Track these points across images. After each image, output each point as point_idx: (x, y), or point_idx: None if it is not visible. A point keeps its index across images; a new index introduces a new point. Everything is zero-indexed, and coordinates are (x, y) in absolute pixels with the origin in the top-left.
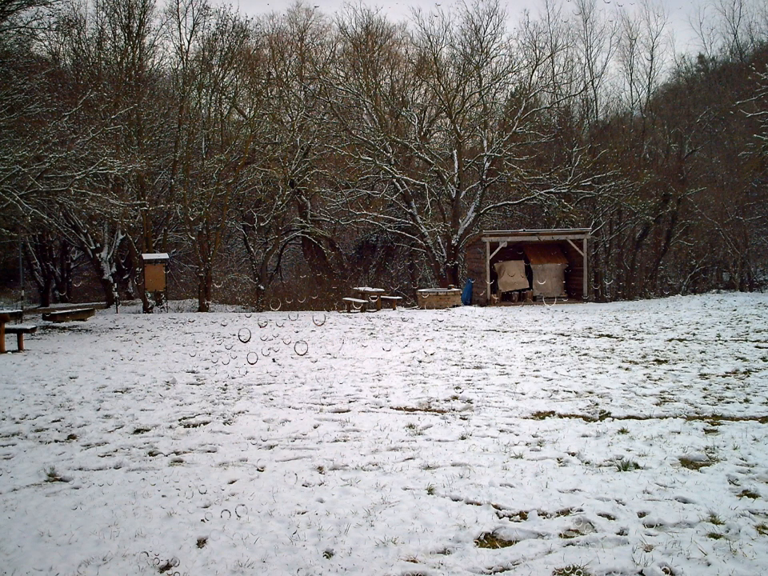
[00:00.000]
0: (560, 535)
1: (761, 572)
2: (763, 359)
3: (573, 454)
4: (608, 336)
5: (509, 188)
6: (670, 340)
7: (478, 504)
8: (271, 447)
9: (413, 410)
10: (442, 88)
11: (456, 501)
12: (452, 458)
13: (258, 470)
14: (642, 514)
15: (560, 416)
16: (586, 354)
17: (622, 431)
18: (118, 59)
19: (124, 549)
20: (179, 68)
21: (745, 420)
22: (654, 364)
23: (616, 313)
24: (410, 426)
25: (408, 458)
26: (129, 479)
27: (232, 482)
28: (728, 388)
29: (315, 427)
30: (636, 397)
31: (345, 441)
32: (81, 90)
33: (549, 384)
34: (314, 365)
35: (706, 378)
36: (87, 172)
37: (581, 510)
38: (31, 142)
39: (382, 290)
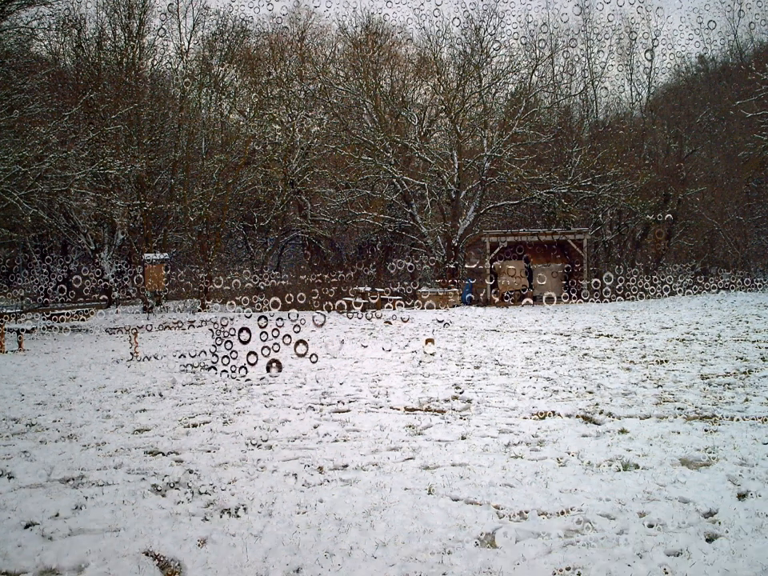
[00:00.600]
0: (560, 535)
1: (761, 572)
2: (763, 359)
3: (573, 454)
4: (608, 336)
5: (509, 188)
6: (670, 340)
7: (478, 504)
8: (271, 447)
9: (413, 409)
10: (442, 88)
11: (456, 501)
12: (452, 458)
13: (258, 469)
14: (642, 514)
15: (560, 416)
16: (586, 354)
17: (622, 431)
18: (118, 59)
19: (124, 549)
20: (179, 68)
21: (745, 420)
22: (653, 364)
23: (616, 313)
24: (410, 426)
25: (408, 458)
26: (129, 479)
27: (232, 482)
28: (728, 388)
29: (315, 427)
30: (636, 397)
31: (345, 441)
32: (81, 89)
33: (549, 384)
34: (313, 365)
35: (706, 378)
36: (87, 172)
37: (581, 510)
38: (31, 141)
39: (382, 289)
